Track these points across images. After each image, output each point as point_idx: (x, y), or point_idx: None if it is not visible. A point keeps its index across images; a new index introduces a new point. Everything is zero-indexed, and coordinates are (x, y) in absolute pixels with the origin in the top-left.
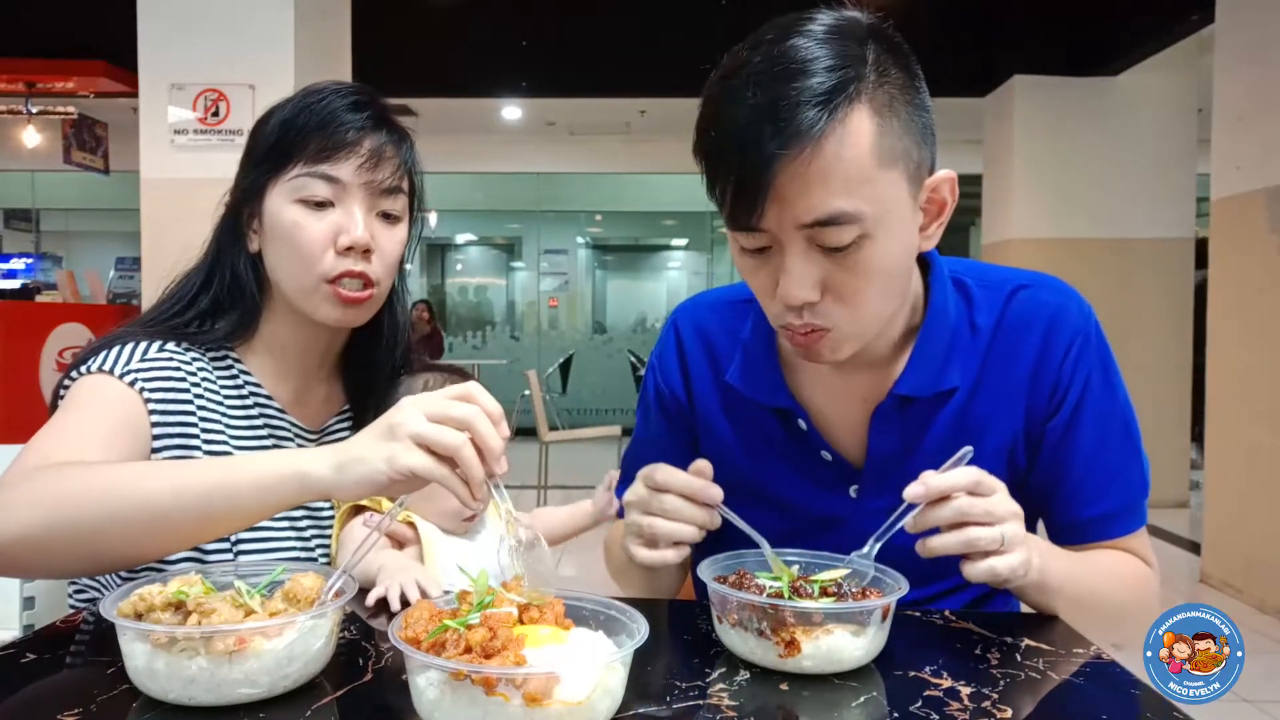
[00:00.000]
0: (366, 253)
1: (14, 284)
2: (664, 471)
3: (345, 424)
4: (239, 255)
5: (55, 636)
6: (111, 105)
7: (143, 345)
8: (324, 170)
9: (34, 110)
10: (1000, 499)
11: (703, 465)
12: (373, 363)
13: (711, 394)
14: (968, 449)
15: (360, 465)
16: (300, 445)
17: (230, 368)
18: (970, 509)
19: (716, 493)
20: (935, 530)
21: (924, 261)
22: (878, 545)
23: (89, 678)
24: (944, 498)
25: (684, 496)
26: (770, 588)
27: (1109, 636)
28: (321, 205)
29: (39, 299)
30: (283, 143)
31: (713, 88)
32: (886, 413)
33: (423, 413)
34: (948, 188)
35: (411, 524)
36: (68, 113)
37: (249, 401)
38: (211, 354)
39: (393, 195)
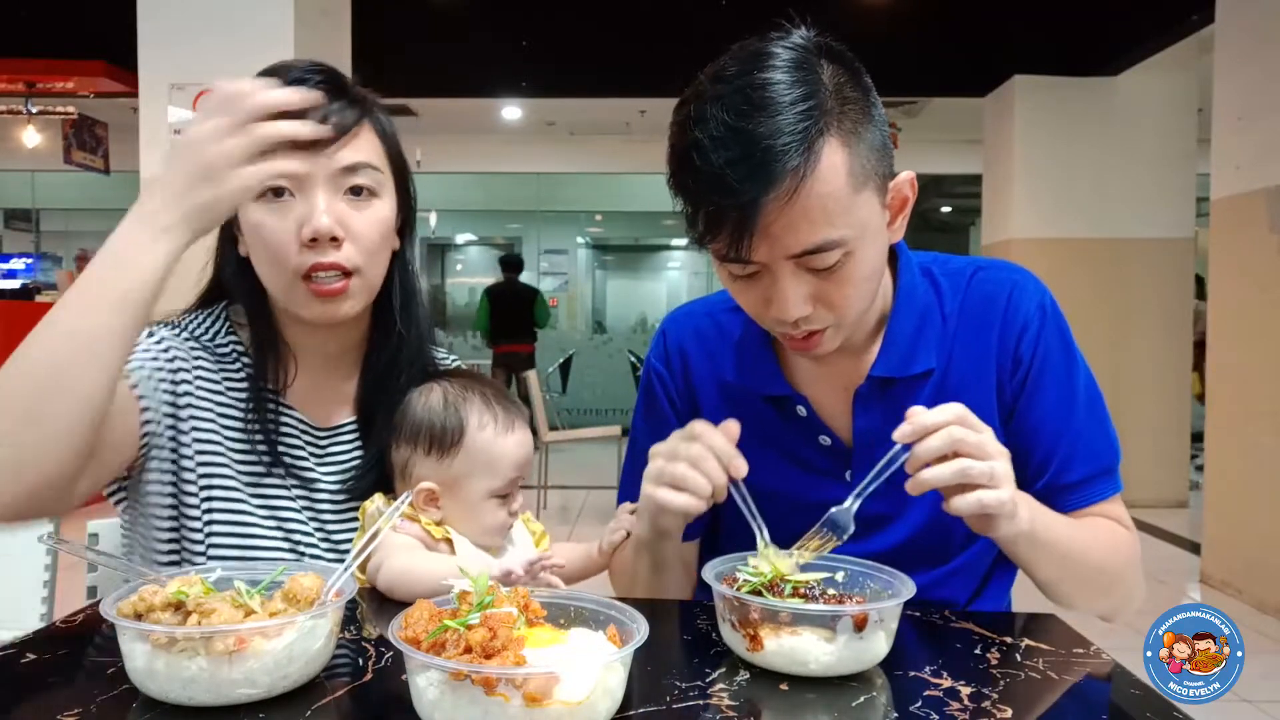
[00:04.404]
0: (336, 240)
1: (14, 284)
2: (702, 425)
3: (353, 430)
4: (232, 263)
5: (55, 636)
6: (111, 105)
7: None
8: (271, 158)
9: (34, 110)
10: (990, 437)
11: (733, 427)
12: (380, 364)
13: (714, 395)
14: (898, 447)
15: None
16: (306, 442)
17: (235, 361)
18: (964, 438)
19: (742, 465)
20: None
21: (890, 251)
22: (858, 501)
23: (89, 678)
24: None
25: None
26: (740, 580)
27: (1098, 603)
28: (280, 196)
29: (39, 299)
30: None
31: (683, 129)
32: (867, 395)
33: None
34: (908, 185)
35: (449, 540)
36: (68, 113)
37: (246, 393)
38: (219, 348)
39: (357, 171)
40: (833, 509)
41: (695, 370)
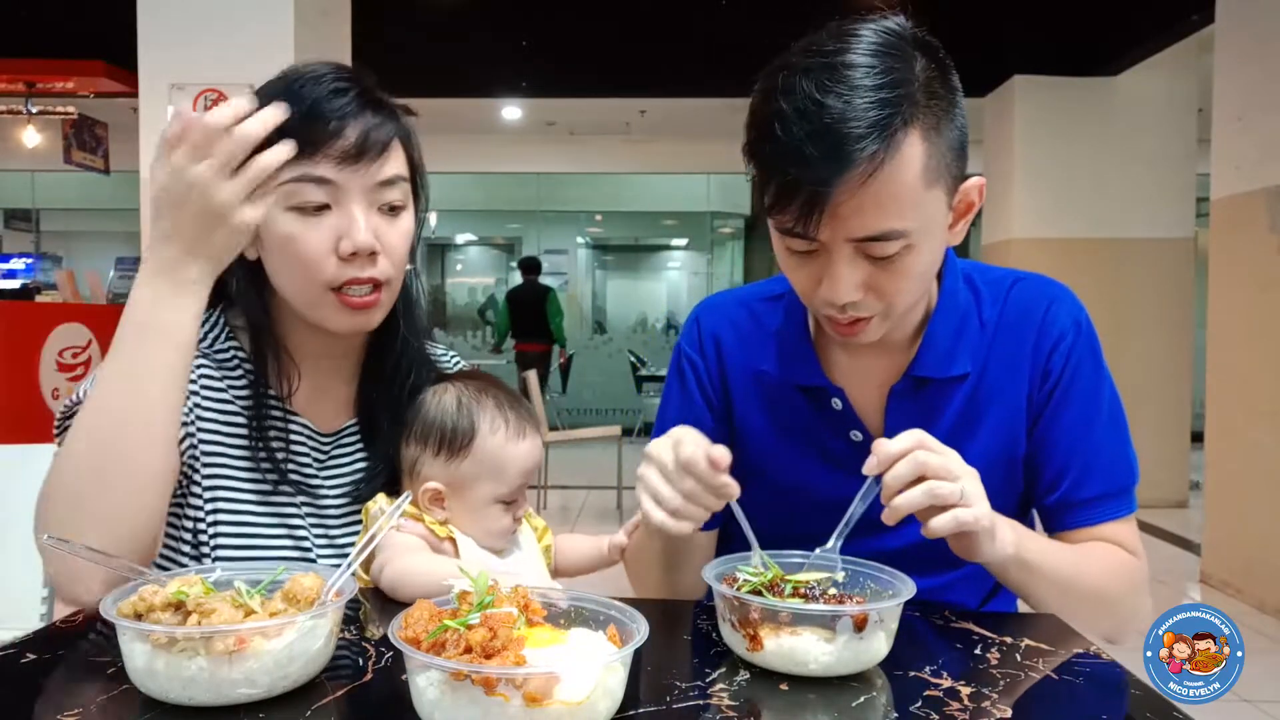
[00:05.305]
0: (372, 254)
1: (14, 284)
2: (690, 450)
3: (355, 433)
4: (236, 265)
5: (55, 636)
6: (111, 105)
7: None
8: (312, 171)
9: (34, 110)
10: (955, 459)
11: (721, 455)
12: (383, 366)
13: (747, 384)
14: (871, 480)
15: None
16: (312, 448)
17: (237, 368)
18: (928, 461)
19: (734, 489)
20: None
21: None
22: (840, 541)
23: (89, 678)
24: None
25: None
26: (740, 580)
27: (1098, 626)
28: (318, 209)
29: (39, 299)
30: (264, 141)
31: (767, 97)
32: (902, 393)
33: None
34: (976, 191)
35: (453, 539)
36: (68, 113)
37: (250, 401)
38: (219, 354)
39: (392, 185)
40: (817, 550)
41: (729, 358)
